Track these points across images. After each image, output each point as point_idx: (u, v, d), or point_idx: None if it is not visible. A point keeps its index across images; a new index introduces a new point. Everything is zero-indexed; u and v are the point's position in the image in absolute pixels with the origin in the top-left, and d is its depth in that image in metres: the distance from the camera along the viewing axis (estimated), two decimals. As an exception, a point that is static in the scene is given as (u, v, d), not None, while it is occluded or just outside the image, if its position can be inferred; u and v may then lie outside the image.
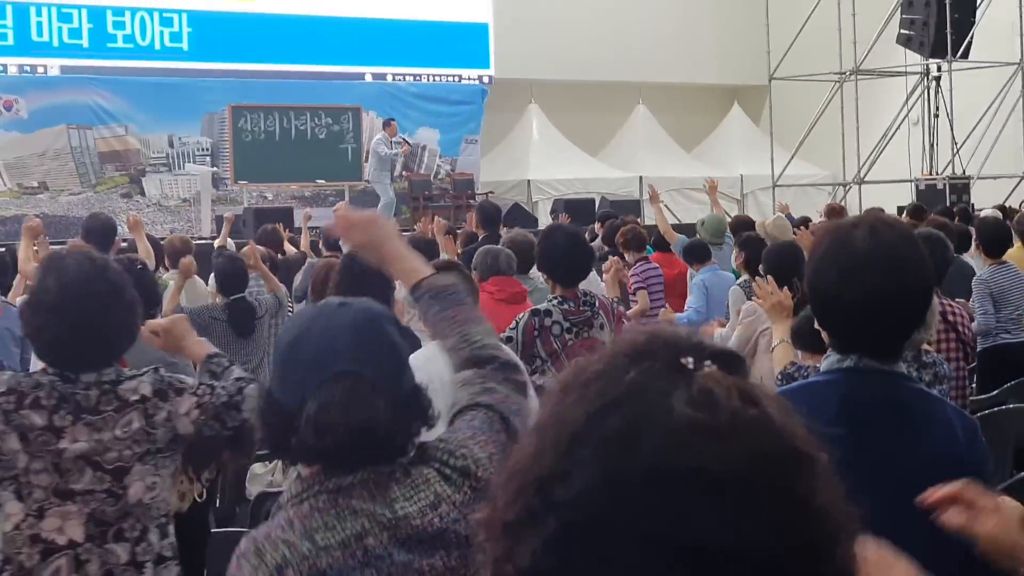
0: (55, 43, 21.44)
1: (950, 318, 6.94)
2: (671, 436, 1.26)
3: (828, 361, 3.21)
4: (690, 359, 1.32)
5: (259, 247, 11.55)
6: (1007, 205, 18.46)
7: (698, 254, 11.38)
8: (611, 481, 1.27)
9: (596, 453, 1.28)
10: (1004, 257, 9.93)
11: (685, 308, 10.92)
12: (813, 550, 1.27)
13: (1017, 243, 10.69)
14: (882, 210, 14.01)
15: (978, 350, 9.53)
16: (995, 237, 10.12)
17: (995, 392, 8.52)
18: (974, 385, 9.18)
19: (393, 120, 21.55)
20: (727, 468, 1.25)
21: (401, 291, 8.42)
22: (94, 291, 4.01)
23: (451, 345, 2.96)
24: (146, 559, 4.01)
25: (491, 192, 22.71)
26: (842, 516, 1.31)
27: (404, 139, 21.56)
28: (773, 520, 1.25)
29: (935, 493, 2.30)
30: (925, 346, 5.73)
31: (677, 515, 1.24)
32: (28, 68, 21.30)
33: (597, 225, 15.45)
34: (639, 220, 16.41)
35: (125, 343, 4.14)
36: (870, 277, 3.08)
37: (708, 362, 1.32)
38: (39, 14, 21.25)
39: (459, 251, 11.64)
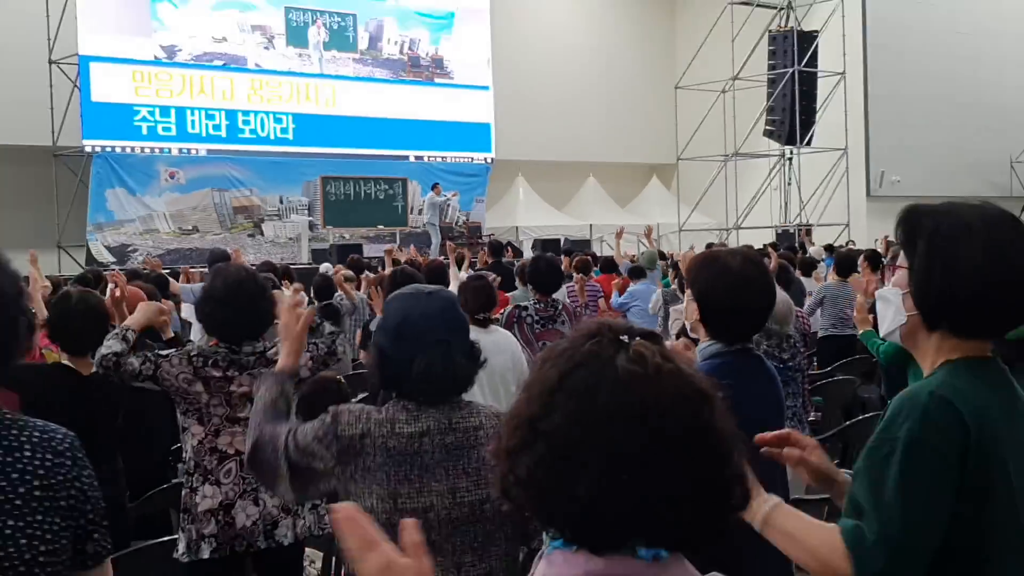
0: (203, 133, 21.38)
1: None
2: (618, 383, 1.30)
3: (716, 347, 3.12)
4: (625, 336, 1.36)
5: (346, 270, 11.69)
6: (833, 244, 18.65)
7: (637, 273, 11.64)
8: (580, 414, 1.30)
9: (567, 397, 1.31)
10: (848, 280, 10.06)
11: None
12: (717, 457, 1.32)
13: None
14: (751, 246, 14.15)
15: (818, 338, 9.70)
16: (846, 264, 10.32)
17: (829, 368, 8.70)
18: (815, 364, 9.35)
19: (438, 184, 21.63)
20: (657, 401, 1.29)
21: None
22: (248, 288, 4.07)
23: None
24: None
25: (492, 234, 22.75)
26: (735, 437, 1.35)
27: (447, 195, 21.74)
28: (688, 434, 1.29)
29: (768, 435, 2.17)
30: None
31: (625, 432, 1.27)
32: (185, 151, 21.24)
33: (564, 257, 15.55)
34: (590, 252, 16.56)
35: (267, 324, 4.15)
36: (749, 293, 3.09)
37: (637, 338, 1.36)
38: (193, 114, 21.24)
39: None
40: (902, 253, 2.11)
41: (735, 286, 3.06)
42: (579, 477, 1.28)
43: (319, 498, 2.66)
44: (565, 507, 1.30)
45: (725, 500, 1.33)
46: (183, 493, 4.02)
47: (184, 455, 4.07)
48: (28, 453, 2.03)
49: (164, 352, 4.03)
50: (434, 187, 21.42)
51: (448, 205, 22.23)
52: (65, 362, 4.60)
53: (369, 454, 2.51)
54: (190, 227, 21.24)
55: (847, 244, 18.98)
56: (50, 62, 19.93)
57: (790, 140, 24.40)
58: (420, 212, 22.43)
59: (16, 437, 2.04)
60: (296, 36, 22.64)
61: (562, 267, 13.63)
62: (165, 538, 4.13)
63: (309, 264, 18.41)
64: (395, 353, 2.59)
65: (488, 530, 2.61)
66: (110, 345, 3.96)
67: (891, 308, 2.15)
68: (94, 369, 4.17)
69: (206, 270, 10.57)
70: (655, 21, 30.62)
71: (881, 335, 2.23)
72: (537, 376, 1.37)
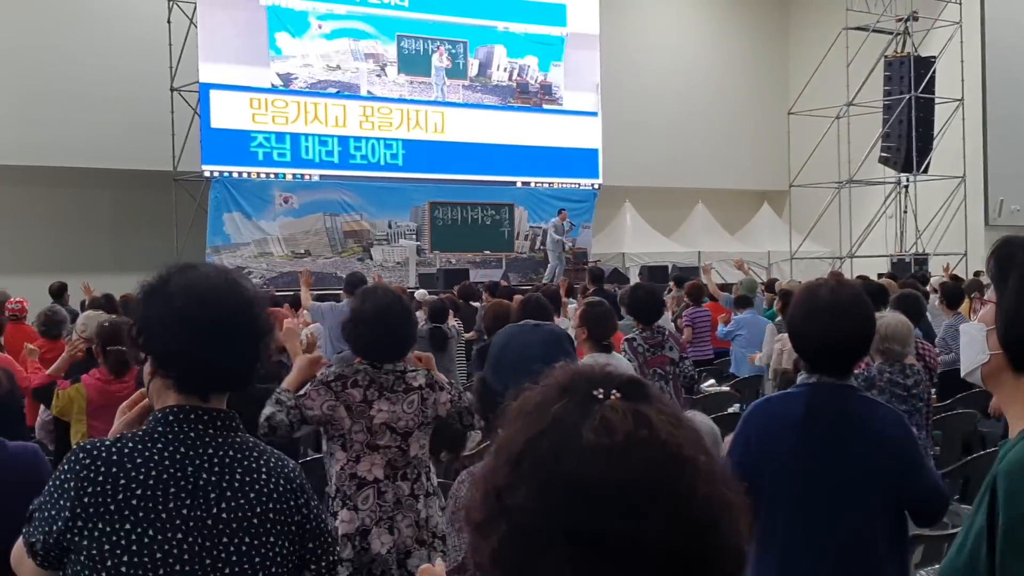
0: (316, 159, 21.72)
1: (920, 351, 6.90)
2: (582, 455, 1.17)
3: (801, 378, 3.16)
4: (601, 390, 1.23)
5: (452, 294, 11.78)
6: (954, 274, 18.16)
7: (743, 303, 11.58)
8: (544, 491, 1.18)
9: (532, 469, 1.20)
10: (959, 310, 9.83)
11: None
12: (697, 529, 1.18)
13: (966, 300, 10.55)
14: (841, 274, 13.72)
15: (938, 371, 9.44)
16: (953, 295, 10.01)
17: (949, 401, 8.47)
18: (935, 395, 9.10)
19: (564, 210, 21.71)
20: (625, 476, 1.16)
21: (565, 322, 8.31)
22: (396, 311, 4.21)
23: None
24: (419, 493, 4.15)
25: (598, 260, 22.78)
26: (722, 501, 1.21)
27: (571, 223, 21.70)
28: (661, 511, 1.16)
29: None
30: (909, 360, 5.78)
31: (592, 513, 1.15)
32: (299, 176, 21.62)
33: (672, 284, 15.49)
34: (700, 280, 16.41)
35: (410, 346, 4.32)
36: (836, 323, 3.03)
37: (614, 391, 1.23)
38: (307, 141, 21.60)
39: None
40: (992, 287, 1.96)
41: (821, 317, 3.03)
42: (544, 559, 1.17)
43: None
44: None
45: (711, 571, 1.20)
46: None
47: (329, 479, 4.19)
48: (264, 476, 2.12)
49: (300, 393, 4.11)
50: (560, 212, 21.48)
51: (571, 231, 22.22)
52: None
53: None
54: (302, 251, 21.60)
55: (975, 275, 18.39)
56: (171, 89, 20.60)
57: (906, 167, 23.93)
58: (524, 237, 22.52)
59: (256, 460, 2.13)
60: (408, 64, 22.97)
61: (671, 294, 13.66)
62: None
63: (416, 288, 18.64)
64: (493, 382, 2.60)
65: None
66: (264, 412, 4.04)
67: (973, 345, 1.98)
68: None
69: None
70: (768, 46, 30.35)
71: (962, 374, 2.08)
72: (505, 438, 1.26)
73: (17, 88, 19.31)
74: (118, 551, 1.95)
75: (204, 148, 20.40)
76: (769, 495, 3.02)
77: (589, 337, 5.86)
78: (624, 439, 1.18)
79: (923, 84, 23.67)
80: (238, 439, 2.13)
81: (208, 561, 2.00)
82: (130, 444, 2.03)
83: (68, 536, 1.95)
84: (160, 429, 2.07)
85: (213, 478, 2.05)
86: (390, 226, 22.52)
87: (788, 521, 3.03)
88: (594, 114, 25.12)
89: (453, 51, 23.50)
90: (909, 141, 23.49)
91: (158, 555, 1.97)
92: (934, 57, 24.57)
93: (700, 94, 28.55)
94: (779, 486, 3.03)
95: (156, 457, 2.02)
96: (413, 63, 23.05)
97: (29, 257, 19.61)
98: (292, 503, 2.14)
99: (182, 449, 2.05)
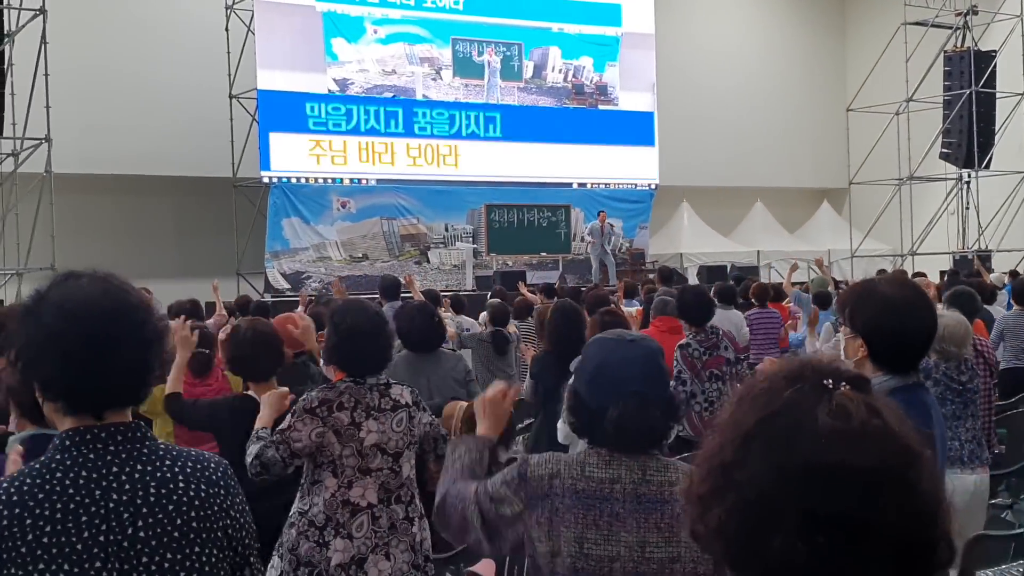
0: (373, 164, 21.80)
1: (979, 347, 6.76)
2: (817, 438, 1.22)
3: (893, 382, 2.95)
4: (830, 380, 1.27)
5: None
6: (1017, 270, 17.85)
7: (821, 300, 11.61)
8: (776, 469, 1.22)
9: (765, 448, 1.24)
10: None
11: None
12: (922, 519, 1.24)
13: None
14: (904, 272, 13.38)
15: (1000, 369, 9.25)
16: None
17: (1013, 400, 8.35)
18: (996, 394, 8.96)
19: (603, 211, 21.71)
20: (861, 462, 1.20)
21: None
22: (375, 322, 4.16)
23: None
24: (414, 515, 4.08)
25: (655, 261, 22.70)
26: (941, 496, 1.26)
27: (611, 224, 21.71)
28: (892, 499, 1.21)
29: None
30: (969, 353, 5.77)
31: (824, 494, 1.20)
32: (356, 180, 21.71)
33: (733, 283, 15.33)
34: (760, 279, 16.25)
35: (388, 359, 4.25)
36: (915, 320, 2.99)
37: (844, 383, 1.28)
38: (364, 145, 21.78)
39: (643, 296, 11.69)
40: None
41: (902, 316, 2.97)
42: (772, 532, 1.21)
43: (511, 548, 2.63)
44: (758, 561, 1.24)
45: (929, 562, 1.25)
46: (305, 547, 3.98)
47: (309, 509, 4.03)
48: (183, 484, 2.01)
49: (282, 427, 4.02)
50: (599, 214, 21.47)
51: (612, 233, 22.09)
52: (249, 392, 4.75)
53: (558, 495, 2.44)
54: (360, 255, 21.72)
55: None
56: (230, 96, 20.87)
57: (967, 163, 23.59)
58: (582, 239, 22.57)
59: (170, 468, 2.01)
60: (463, 67, 23.04)
61: (736, 295, 13.51)
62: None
63: (473, 291, 18.66)
64: (589, 400, 2.52)
65: None
66: (249, 452, 3.98)
67: None
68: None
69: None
70: (826, 42, 30.03)
71: None
72: (732, 417, 1.30)
73: (80, 98, 19.64)
74: None
75: (263, 154, 20.64)
76: None
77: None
78: (860, 426, 1.23)
79: (984, 79, 23.29)
80: (146, 449, 1.99)
81: None
82: (29, 480, 1.92)
83: None
84: (59, 456, 1.94)
85: (125, 497, 1.93)
86: (447, 229, 22.56)
87: None
88: (650, 114, 24.98)
89: (508, 53, 23.55)
90: (970, 136, 23.15)
91: None
92: (995, 51, 24.15)
93: (757, 92, 28.32)
94: None
95: (59, 488, 1.90)
96: (468, 66, 23.12)
97: (92, 264, 19.88)
98: (216, 507, 2.04)
99: (84, 473, 1.92)
